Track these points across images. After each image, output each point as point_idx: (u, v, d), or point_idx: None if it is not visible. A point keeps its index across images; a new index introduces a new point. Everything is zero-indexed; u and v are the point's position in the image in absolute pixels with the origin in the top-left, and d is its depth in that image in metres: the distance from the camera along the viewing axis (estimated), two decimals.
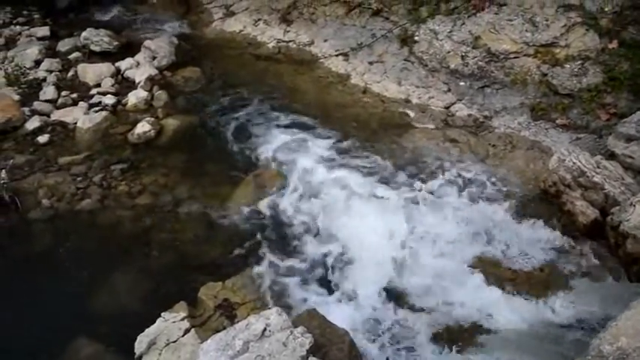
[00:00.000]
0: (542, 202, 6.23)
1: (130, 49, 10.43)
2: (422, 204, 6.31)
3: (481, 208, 6.24)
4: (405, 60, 8.80)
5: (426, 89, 8.33)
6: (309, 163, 7.05)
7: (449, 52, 8.34)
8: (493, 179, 6.64)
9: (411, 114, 7.98)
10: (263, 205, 6.45)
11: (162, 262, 5.88)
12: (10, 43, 10.97)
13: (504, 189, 6.48)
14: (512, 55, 7.87)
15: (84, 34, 10.67)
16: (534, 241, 5.79)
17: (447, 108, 8.01)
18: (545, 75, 7.58)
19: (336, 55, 9.48)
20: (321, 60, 9.56)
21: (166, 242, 6.10)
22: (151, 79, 9.07)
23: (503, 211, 6.15)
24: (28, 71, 9.66)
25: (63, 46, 10.67)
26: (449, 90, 8.22)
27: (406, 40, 8.92)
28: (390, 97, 8.40)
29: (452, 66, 8.24)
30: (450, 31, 8.50)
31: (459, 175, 6.71)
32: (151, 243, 6.10)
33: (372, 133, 7.63)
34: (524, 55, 7.81)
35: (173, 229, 6.26)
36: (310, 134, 7.65)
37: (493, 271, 5.50)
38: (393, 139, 7.47)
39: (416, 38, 8.82)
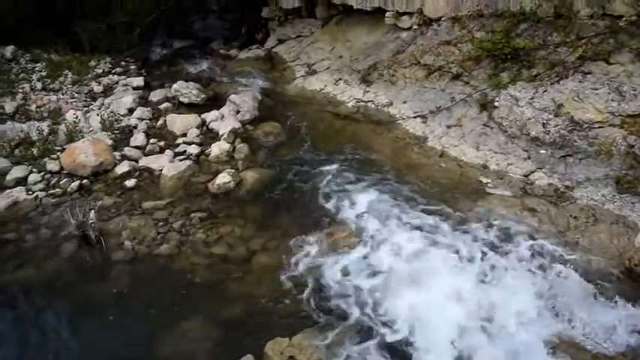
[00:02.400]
0: (627, 281, 5.88)
1: (216, 101, 10.96)
2: (498, 274, 6.08)
3: (560, 282, 5.93)
4: (483, 125, 8.70)
5: (505, 155, 8.16)
6: (383, 224, 7.00)
7: (530, 118, 8.19)
8: (574, 253, 6.32)
9: (489, 180, 7.83)
10: (335, 264, 6.41)
11: (232, 312, 5.92)
12: (108, 90, 11.75)
13: (586, 264, 6.14)
14: (596, 125, 7.62)
15: (174, 85, 11.29)
16: (617, 323, 5.43)
17: (526, 176, 7.80)
18: (632, 146, 7.26)
19: (414, 117, 9.53)
20: (399, 121, 9.63)
21: (238, 293, 6.16)
22: (233, 132, 9.44)
23: (584, 288, 5.82)
24: (121, 118, 10.26)
25: (155, 96, 11.31)
26: (528, 157, 8.01)
27: (486, 105, 8.85)
28: (468, 161, 8.31)
29: (532, 133, 8.07)
30: (532, 98, 8.38)
31: (538, 247, 6.44)
32: (222, 293, 6.18)
33: (448, 198, 7.51)
34: (610, 125, 7.55)
35: (245, 281, 6.32)
36: (385, 195, 7.63)
37: (572, 352, 5.18)
38: (469, 204, 7.32)
39: (496, 104, 8.73)
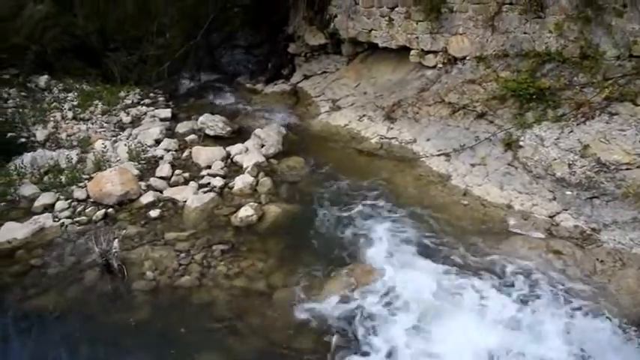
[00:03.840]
0: None
1: (241, 135, 11.11)
2: (522, 318, 5.91)
3: (587, 329, 5.75)
4: (508, 164, 8.61)
5: (530, 196, 8.04)
6: (404, 261, 6.90)
7: (555, 159, 8.09)
8: (601, 298, 6.14)
9: (513, 220, 7.68)
10: (354, 301, 6.30)
11: (250, 347, 5.84)
12: (136, 121, 11.99)
13: (614, 310, 5.95)
14: (624, 167, 7.47)
15: (201, 118, 11.46)
16: None
17: (552, 217, 7.65)
18: None
19: (438, 155, 9.49)
20: (423, 159, 9.60)
21: (256, 328, 6.07)
22: (257, 166, 9.50)
23: (613, 335, 5.65)
24: (148, 149, 10.42)
25: (181, 127, 11.49)
26: (554, 198, 7.88)
27: (510, 145, 8.77)
28: (492, 201, 8.19)
29: (558, 174, 7.96)
30: (557, 138, 8.29)
31: (563, 291, 6.27)
32: (242, 327, 6.10)
33: (471, 237, 7.40)
34: (638, 167, 7.38)
35: (264, 315, 6.23)
36: (407, 232, 7.55)
37: None
38: (492, 245, 7.20)
39: (520, 143, 8.65)
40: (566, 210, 7.67)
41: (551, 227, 7.48)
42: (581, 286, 6.35)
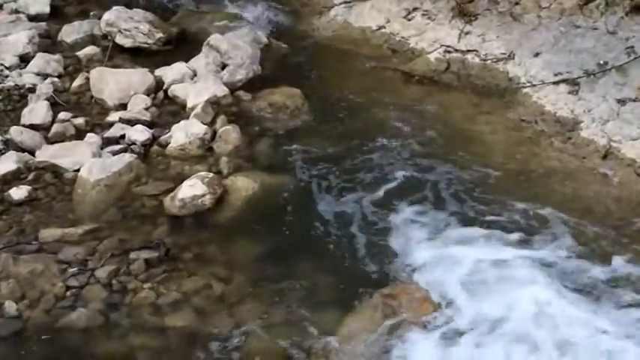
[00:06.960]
0: None
1: (182, 46, 11.03)
2: None
3: None
4: None
5: None
6: (485, 283, 6.90)
7: None
8: None
9: None
10: (398, 349, 6.26)
11: None
12: None
13: None
14: None
15: (107, 15, 11.38)
16: None
17: None
18: None
19: (555, 83, 9.44)
20: (526, 90, 9.57)
21: None
22: (214, 104, 9.45)
23: None
24: (7, 72, 10.35)
25: (69, 33, 11.46)
26: None
27: None
28: None
29: None
30: None
31: None
32: None
33: (618, 235, 7.38)
34: None
35: None
36: (490, 228, 7.54)
37: None
38: None
39: None
40: None
41: None
42: None
